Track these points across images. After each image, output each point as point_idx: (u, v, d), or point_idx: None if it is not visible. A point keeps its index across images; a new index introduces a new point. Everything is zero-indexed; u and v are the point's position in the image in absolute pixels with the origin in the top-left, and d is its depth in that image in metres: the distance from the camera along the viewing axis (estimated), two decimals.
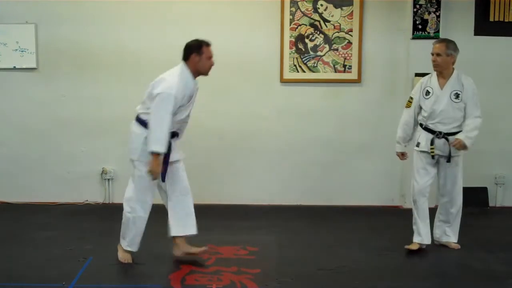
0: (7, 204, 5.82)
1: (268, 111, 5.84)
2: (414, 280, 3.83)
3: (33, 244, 4.50)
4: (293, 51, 5.75)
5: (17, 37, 5.73)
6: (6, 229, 4.98)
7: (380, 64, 5.79)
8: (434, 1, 5.57)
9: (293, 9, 5.71)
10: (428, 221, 4.37)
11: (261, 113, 5.84)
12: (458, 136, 4.19)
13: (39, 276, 3.80)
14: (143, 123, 3.88)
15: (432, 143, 4.27)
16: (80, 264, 4.01)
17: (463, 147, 4.17)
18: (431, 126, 4.29)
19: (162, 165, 3.82)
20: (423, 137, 4.33)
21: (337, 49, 5.75)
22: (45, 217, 5.38)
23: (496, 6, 5.69)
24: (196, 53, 3.87)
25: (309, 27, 5.73)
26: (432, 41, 4.48)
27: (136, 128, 3.93)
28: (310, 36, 5.74)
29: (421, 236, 4.35)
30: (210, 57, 3.93)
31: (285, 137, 5.86)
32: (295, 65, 5.77)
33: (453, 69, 4.30)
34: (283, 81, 5.80)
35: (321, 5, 5.72)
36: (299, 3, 5.70)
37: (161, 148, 3.73)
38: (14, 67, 5.79)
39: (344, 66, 5.77)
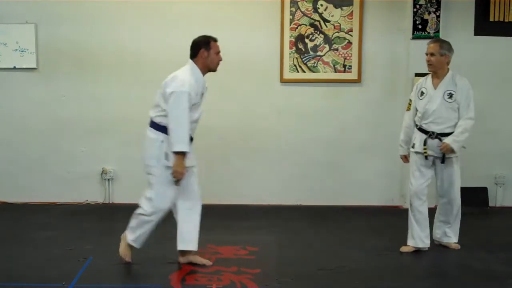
0: (7, 204, 5.82)
1: (268, 111, 5.84)
2: (414, 280, 3.83)
3: (33, 244, 4.50)
4: (293, 51, 5.75)
5: (17, 37, 5.74)
6: (6, 229, 4.98)
7: (380, 64, 5.79)
8: (434, 1, 5.57)
9: (293, 9, 5.71)
10: (425, 224, 4.32)
11: (261, 113, 5.84)
12: (446, 140, 4.16)
13: (39, 276, 3.80)
14: (158, 127, 3.82)
15: (425, 143, 4.25)
16: (80, 264, 4.01)
17: (450, 151, 4.15)
18: (424, 126, 4.27)
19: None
20: (417, 138, 4.32)
21: (337, 49, 5.75)
22: (45, 217, 5.38)
23: (496, 6, 5.69)
24: (204, 49, 3.85)
25: (309, 27, 5.73)
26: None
27: (151, 133, 3.84)
28: (310, 36, 5.74)
29: (415, 239, 4.34)
30: (218, 52, 3.92)
31: (285, 137, 5.86)
32: (295, 65, 5.77)
33: (448, 69, 4.28)
34: (283, 81, 5.80)
35: (321, 5, 5.72)
36: (299, 3, 5.70)
37: (185, 147, 3.72)
38: (14, 67, 5.79)
39: (344, 66, 5.77)
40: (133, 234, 3.96)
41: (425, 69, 4.43)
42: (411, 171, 4.39)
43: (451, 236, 4.42)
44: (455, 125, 4.21)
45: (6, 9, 5.73)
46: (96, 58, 5.78)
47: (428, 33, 5.58)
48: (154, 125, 3.85)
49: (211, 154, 5.78)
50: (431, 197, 4.49)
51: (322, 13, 5.73)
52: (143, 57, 5.73)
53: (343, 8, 5.71)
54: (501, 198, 5.93)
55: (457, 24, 5.71)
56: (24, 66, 5.79)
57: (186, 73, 3.81)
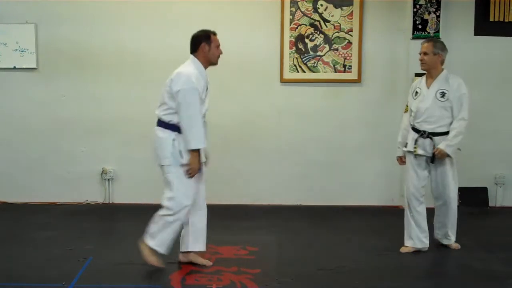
0: (7, 204, 5.82)
1: (268, 111, 5.84)
2: (414, 280, 3.83)
3: (33, 244, 4.50)
4: (293, 51, 5.75)
5: (17, 37, 5.74)
6: (6, 229, 4.98)
7: (380, 64, 5.79)
8: (434, 1, 5.57)
9: (293, 9, 5.71)
10: (424, 224, 4.32)
11: (261, 113, 5.84)
12: (440, 145, 4.12)
13: (39, 276, 3.80)
14: (167, 125, 3.79)
15: (416, 142, 4.25)
16: (80, 264, 4.01)
17: (445, 156, 4.13)
18: (417, 126, 4.27)
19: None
20: (410, 137, 4.32)
21: (337, 49, 5.75)
22: (45, 217, 5.38)
23: (496, 6, 5.69)
24: (205, 42, 3.85)
25: (309, 27, 5.73)
26: None
27: (161, 132, 3.81)
28: (310, 36, 5.74)
29: (413, 240, 4.34)
30: (218, 46, 3.92)
31: (285, 137, 5.86)
32: (295, 65, 5.77)
33: (442, 69, 4.27)
34: (283, 81, 5.80)
35: (321, 5, 5.72)
36: (299, 3, 5.70)
37: (201, 144, 3.74)
38: (14, 67, 5.79)
39: (344, 66, 5.77)
40: (155, 239, 3.87)
41: None
42: (407, 172, 4.41)
43: (450, 237, 4.40)
44: (447, 125, 4.17)
45: (6, 9, 5.73)
46: (96, 58, 5.78)
47: (428, 33, 5.58)
48: (163, 124, 3.82)
49: (211, 154, 5.77)
50: (429, 198, 4.48)
51: (322, 13, 5.73)
52: (143, 57, 5.73)
53: (343, 8, 5.71)
54: (501, 198, 5.93)
55: (457, 24, 5.72)
56: (24, 66, 5.79)
57: (190, 68, 3.80)
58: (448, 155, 4.12)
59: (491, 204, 5.92)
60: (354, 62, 5.76)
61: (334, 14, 5.72)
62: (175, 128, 3.77)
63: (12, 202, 5.85)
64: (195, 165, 3.76)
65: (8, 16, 5.73)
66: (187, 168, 3.76)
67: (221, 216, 5.40)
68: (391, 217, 5.45)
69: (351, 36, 5.73)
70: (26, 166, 5.88)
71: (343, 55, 5.75)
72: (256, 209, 5.76)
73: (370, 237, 4.77)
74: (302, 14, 5.72)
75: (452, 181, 4.27)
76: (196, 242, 4.00)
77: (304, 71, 5.78)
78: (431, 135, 4.19)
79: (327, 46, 5.75)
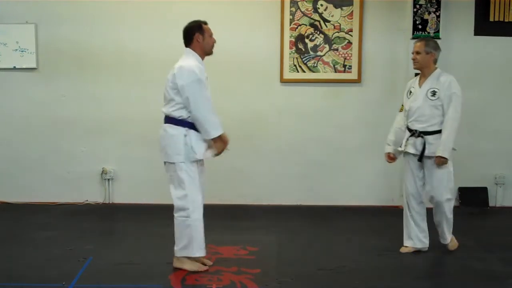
0: (7, 204, 5.82)
1: (268, 111, 5.84)
2: (414, 280, 3.83)
3: (33, 244, 4.50)
4: (293, 51, 5.75)
5: (17, 37, 5.74)
6: (6, 229, 4.98)
7: (380, 64, 5.79)
8: (434, 1, 5.57)
9: (293, 9, 5.71)
10: (424, 224, 4.31)
11: (261, 113, 5.84)
12: (436, 153, 4.06)
13: (39, 276, 3.80)
14: (177, 121, 3.77)
15: (407, 141, 4.25)
16: (80, 264, 4.01)
17: (445, 161, 4.06)
18: (409, 125, 4.26)
19: (205, 153, 3.84)
20: (405, 137, 4.32)
21: (337, 49, 5.75)
22: (45, 217, 5.38)
23: (496, 6, 5.69)
24: (199, 33, 3.84)
25: (309, 27, 5.73)
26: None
27: (171, 129, 3.78)
28: (310, 36, 5.74)
29: (413, 240, 4.33)
30: (211, 35, 3.91)
31: (285, 137, 5.86)
32: (295, 65, 5.77)
33: (436, 67, 4.23)
34: (283, 81, 5.80)
35: (321, 5, 5.72)
36: (299, 3, 5.70)
37: (220, 130, 3.77)
38: (14, 67, 5.79)
39: (344, 66, 5.77)
40: (187, 248, 3.82)
41: None
42: (404, 173, 4.41)
43: (446, 237, 4.33)
44: (438, 123, 4.11)
45: (6, 9, 5.73)
46: (96, 58, 5.78)
47: (428, 33, 5.58)
48: (173, 121, 3.78)
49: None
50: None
51: (322, 13, 5.73)
52: (143, 57, 5.73)
53: (343, 8, 5.71)
54: (501, 198, 5.93)
55: (457, 24, 5.72)
56: (24, 66, 5.79)
57: (190, 61, 3.78)
58: (446, 159, 4.05)
59: (491, 204, 5.92)
60: (354, 62, 5.76)
61: (334, 14, 5.72)
62: (185, 123, 3.77)
63: (12, 202, 5.85)
64: (222, 147, 3.84)
65: (8, 16, 5.73)
66: (216, 153, 3.83)
67: (221, 216, 5.41)
68: (391, 217, 5.44)
69: (351, 36, 5.73)
70: (26, 166, 5.88)
71: (343, 55, 5.76)
72: (256, 209, 5.76)
73: (370, 237, 4.77)
74: (302, 14, 5.72)
75: (445, 180, 4.15)
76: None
77: (304, 71, 5.78)
78: (422, 134, 4.17)
79: (327, 46, 5.75)
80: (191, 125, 3.78)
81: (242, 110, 5.82)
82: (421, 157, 4.17)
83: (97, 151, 5.88)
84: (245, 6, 5.73)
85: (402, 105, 4.42)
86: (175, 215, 3.83)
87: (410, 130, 4.25)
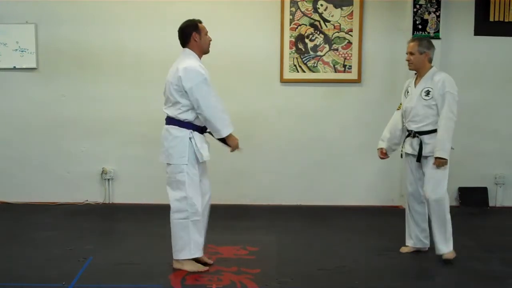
0: (7, 204, 5.82)
1: (268, 111, 5.84)
2: (414, 280, 3.83)
3: (33, 244, 4.50)
4: (293, 51, 5.75)
5: (17, 37, 5.74)
6: (6, 229, 4.98)
7: (380, 64, 5.79)
8: (434, 1, 5.57)
9: (293, 9, 5.71)
10: (424, 224, 4.29)
11: (261, 113, 5.84)
12: (434, 155, 4.01)
13: (39, 276, 3.80)
14: (183, 123, 3.76)
15: (404, 142, 4.25)
16: (80, 264, 4.01)
17: (444, 161, 4.00)
18: (406, 125, 4.26)
19: (208, 156, 3.88)
20: (403, 137, 4.31)
21: (337, 49, 5.75)
22: (45, 217, 5.38)
23: (496, 6, 5.69)
24: (195, 32, 3.83)
25: (309, 27, 5.73)
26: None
27: (176, 131, 3.76)
28: (310, 36, 5.74)
29: (413, 240, 4.33)
30: (207, 33, 3.91)
31: (285, 137, 5.86)
32: (295, 65, 5.77)
33: (431, 66, 4.18)
34: (283, 81, 5.80)
35: (321, 5, 5.72)
36: (299, 3, 5.71)
37: (230, 128, 3.82)
38: (14, 67, 5.79)
39: (344, 66, 5.77)
40: (184, 250, 3.81)
41: None
42: (405, 173, 4.40)
43: (438, 248, 4.11)
44: (433, 123, 4.07)
45: (6, 9, 5.73)
46: (96, 58, 5.78)
47: (428, 33, 5.58)
48: (178, 122, 3.77)
49: (211, 153, 5.77)
50: None
51: (322, 13, 5.73)
52: (143, 57, 5.73)
53: (343, 8, 5.71)
54: (501, 198, 5.93)
55: (457, 24, 5.72)
56: (24, 66, 5.79)
57: (192, 61, 3.77)
58: (445, 159, 4.00)
59: (491, 204, 5.92)
60: (354, 62, 5.76)
61: (334, 14, 5.72)
62: (191, 126, 3.77)
63: (12, 202, 5.85)
64: (235, 143, 3.90)
65: (8, 16, 5.73)
66: (231, 150, 3.91)
67: (221, 216, 5.40)
68: (391, 217, 5.45)
69: (351, 36, 5.73)
70: (26, 166, 5.88)
71: (343, 55, 5.76)
72: (256, 209, 5.76)
73: (370, 237, 4.77)
74: (302, 14, 5.72)
75: (434, 179, 4.06)
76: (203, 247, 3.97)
77: (304, 71, 5.78)
78: (417, 134, 4.15)
79: (327, 46, 5.75)
80: (195, 127, 3.79)
81: (242, 110, 5.81)
82: (419, 157, 4.16)
83: (97, 151, 5.88)
84: (245, 6, 5.73)
85: (401, 104, 4.42)
86: (172, 216, 3.83)
87: (407, 130, 4.25)
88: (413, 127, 4.18)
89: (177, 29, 3.92)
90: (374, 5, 5.73)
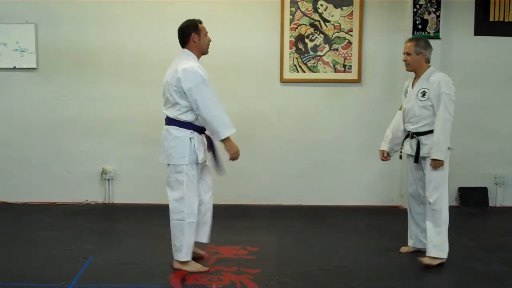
0: (7, 204, 5.82)
1: (268, 111, 5.84)
2: (414, 280, 3.83)
3: (33, 244, 4.50)
4: (293, 51, 5.75)
5: (17, 37, 5.74)
6: (6, 229, 4.98)
7: (380, 64, 5.79)
8: (434, 1, 5.57)
9: (293, 9, 5.71)
10: (423, 226, 4.23)
11: (261, 113, 5.84)
12: (430, 156, 3.99)
13: (39, 276, 3.80)
14: (183, 124, 3.76)
15: (403, 143, 4.24)
16: (80, 264, 4.01)
17: (440, 163, 3.96)
18: (405, 126, 4.25)
19: (206, 156, 3.85)
20: (403, 138, 4.31)
21: (337, 49, 5.75)
22: (45, 217, 5.38)
23: (496, 6, 5.69)
24: (195, 33, 3.82)
25: (309, 27, 5.73)
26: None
27: (177, 131, 3.76)
28: (310, 36, 5.74)
29: (413, 240, 4.33)
30: (206, 33, 3.90)
31: (285, 137, 5.86)
32: (295, 65, 5.77)
33: (429, 66, 4.15)
34: (283, 81, 5.80)
35: (321, 5, 5.72)
36: (299, 3, 5.70)
37: (231, 130, 3.74)
38: (14, 67, 5.79)
39: (344, 66, 5.77)
40: (183, 249, 3.82)
41: None
42: (406, 174, 4.39)
43: (429, 249, 4.05)
44: (430, 123, 4.04)
45: (6, 9, 5.73)
46: (96, 58, 5.78)
47: (428, 33, 5.58)
48: (178, 123, 3.77)
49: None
50: None
51: (322, 13, 5.73)
52: (143, 57, 5.73)
53: (343, 8, 5.71)
54: (501, 198, 5.93)
55: (457, 24, 5.72)
56: (24, 66, 5.79)
57: (191, 62, 3.76)
58: (441, 161, 3.97)
59: (491, 204, 5.92)
60: (354, 62, 5.76)
61: (334, 14, 5.72)
62: (191, 126, 3.77)
63: (12, 202, 5.84)
64: (234, 150, 3.78)
65: (8, 16, 5.73)
66: (230, 157, 3.79)
67: (221, 216, 5.38)
68: (391, 217, 5.45)
69: (351, 36, 5.73)
70: (26, 166, 5.88)
71: (343, 55, 5.76)
72: (256, 209, 5.76)
73: (370, 237, 4.77)
74: (302, 14, 5.72)
75: (433, 181, 4.02)
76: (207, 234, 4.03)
77: (304, 71, 5.78)
78: (415, 134, 4.14)
79: (327, 46, 5.75)
80: (195, 128, 3.79)
81: (242, 110, 5.81)
82: (416, 158, 4.14)
83: (97, 151, 5.87)
84: (245, 6, 5.73)
85: (402, 104, 4.42)
86: (171, 217, 3.84)
87: (407, 131, 4.25)
88: (411, 128, 4.17)
89: (176, 30, 3.91)
90: (374, 5, 5.73)
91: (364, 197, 5.91)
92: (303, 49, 5.75)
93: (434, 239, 4.03)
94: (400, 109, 4.43)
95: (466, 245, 4.46)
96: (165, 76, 3.84)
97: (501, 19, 5.70)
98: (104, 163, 5.89)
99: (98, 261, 4.08)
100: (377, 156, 5.77)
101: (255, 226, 5.13)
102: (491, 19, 5.71)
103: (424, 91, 4.07)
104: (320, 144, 5.86)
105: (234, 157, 3.80)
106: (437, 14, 5.59)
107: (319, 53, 5.76)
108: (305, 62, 5.77)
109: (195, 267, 3.88)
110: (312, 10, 5.72)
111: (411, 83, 4.27)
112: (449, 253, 4.28)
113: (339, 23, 5.73)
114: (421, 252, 4.31)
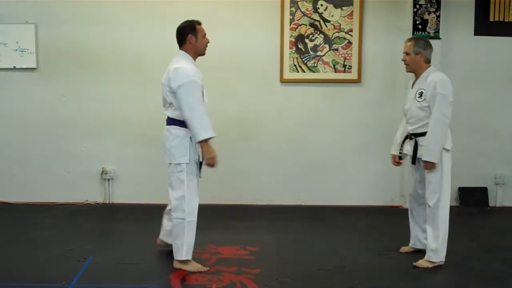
0: (7, 204, 5.82)
1: (268, 111, 5.84)
2: (414, 280, 3.83)
3: (33, 244, 4.50)
4: (293, 51, 5.75)
5: (17, 37, 5.74)
6: (6, 229, 4.98)
7: (380, 64, 5.79)
8: (434, 1, 5.57)
9: (293, 9, 5.71)
10: (424, 226, 4.22)
11: (261, 113, 5.84)
12: (422, 158, 3.98)
13: (39, 276, 3.80)
14: (182, 123, 3.77)
15: (403, 143, 4.23)
16: (80, 264, 4.01)
17: (432, 165, 3.93)
18: (406, 126, 4.23)
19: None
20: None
21: (337, 49, 5.75)
22: (45, 217, 5.38)
23: (496, 6, 5.69)
24: (191, 34, 3.83)
25: (309, 27, 5.73)
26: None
27: (178, 130, 3.78)
28: (310, 36, 5.74)
29: (413, 240, 4.32)
30: (204, 35, 3.90)
31: (285, 137, 5.86)
32: (295, 65, 5.77)
33: (429, 66, 4.10)
34: (283, 81, 5.80)
35: (321, 5, 5.72)
36: (299, 3, 5.71)
37: (211, 133, 3.71)
38: (14, 67, 5.79)
39: (344, 66, 5.77)
40: (184, 248, 3.82)
41: None
42: (407, 174, 4.39)
43: (429, 255, 4.03)
44: (427, 125, 3.99)
45: (6, 9, 5.73)
46: (96, 58, 5.78)
47: (428, 33, 5.58)
48: (178, 122, 3.78)
49: None
50: None
51: (322, 13, 5.73)
52: (143, 57, 5.73)
53: (343, 8, 5.71)
54: (501, 198, 5.93)
55: (457, 24, 5.72)
56: (24, 66, 5.79)
57: (183, 63, 3.78)
58: (432, 162, 3.92)
59: (491, 204, 5.92)
60: (354, 62, 5.76)
61: (334, 14, 5.72)
62: None
63: (12, 202, 5.85)
64: (211, 155, 3.75)
65: (8, 16, 5.73)
66: (206, 162, 3.75)
67: (221, 216, 5.42)
68: (391, 217, 5.45)
69: (351, 36, 5.73)
70: (26, 166, 5.88)
71: (343, 55, 5.76)
72: (256, 209, 5.76)
73: (370, 237, 4.77)
74: (302, 14, 5.72)
75: (432, 183, 3.99)
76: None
77: (304, 71, 5.78)
78: (413, 135, 4.11)
79: (327, 46, 5.75)
80: None
81: (242, 110, 5.82)
82: (414, 159, 4.10)
83: (97, 151, 5.88)
84: (245, 6, 5.73)
85: None
86: (173, 216, 3.84)
87: (407, 132, 4.25)
88: (410, 128, 4.14)
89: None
90: (374, 5, 5.73)
91: (364, 197, 5.91)
92: (303, 49, 5.75)
93: (431, 244, 4.02)
94: None
95: (466, 245, 4.46)
96: (163, 78, 3.86)
97: (501, 19, 5.70)
98: (104, 163, 5.89)
99: (98, 261, 4.08)
100: (377, 156, 5.81)
101: (255, 226, 5.13)
102: (491, 19, 5.71)
103: (421, 91, 4.04)
104: (320, 144, 5.86)
105: (209, 162, 3.77)
106: (437, 14, 5.59)
107: (319, 53, 5.76)
108: (305, 62, 5.77)
109: (195, 267, 3.88)
110: (312, 10, 5.72)
111: (412, 83, 4.26)
112: (449, 253, 4.28)
113: (339, 23, 5.73)
114: (421, 252, 4.31)
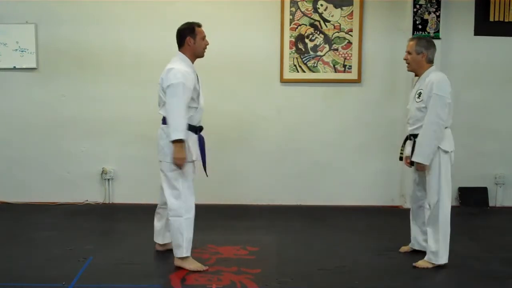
0: (7, 204, 5.82)
1: (268, 111, 5.84)
2: (414, 280, 3.83)
3: (33, 244, 4.50)
4: (293, 51, 5.75)
5: (17, 37, 5.74)
6: (6, 229, 4.98)
7: (380, 64, 5.79)
8: (434, 1, 5.58)
9: (293, 9, 5.71)
10: (423, 228, 4.21)
11: (261, 113, 5.84)
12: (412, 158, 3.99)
13: (39, 276, 3.80)
14: None
15: (404, 144, 4.22)
16: (80, 264, 4.01)
17: (423, 166, 3.92)
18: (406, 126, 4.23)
19: (199, 155, 3.88)
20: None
21: (337, 49, 5.75)
22: (45, 217, 5.38)
23: (496, 6, 5.69)
24: (190, 36, 3.86)
25: (309, 27, 5.73)
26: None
27: None
28: (310, 36, 5.74)
29: (412, 241, 4.32)
30: (204, 37, 3.92)
31: (285, 137, 5.86)
32: (295, 65, 5.77)
33: (430, 67, 4.06)
34: (283, 81, 5.80)
35: (321, 5, 5.72)
36: (299, 3, 5.71)
37: (181, 135, 3.71)
38: (14, 67, 5.79)
39: (344, 66, 5.77)
40: (183, 246, 3.84)
41: None
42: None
43: (429, 257, 4.02)
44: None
45: (6, 9, 5.73)
46: (96, 58, 5.78)
47: (428, 33, 5.58)
48: None
49: (211, 154, 5.77)
50: None
51: (322, 13, 5.73)
52: (143, 57, 5.73)
53: (343, 8, 5.71)
54: (501, 198, 5.93)
55: (457, 24, 5.72)
56: (24, 66, 5.79)
57: (177, 64, 3.82)
58: (423, 164, 3.91)
59: (491, 204, 5.92)
60: (354, 62, 5.76)
61: (334, 14, 5.72)
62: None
63: (12, 202, 5.85)
64: (180, 156, 3.74)
65: (8, 16, 5.73)
66: (173, 161, 3.75)
67: (221, 216, 5.42)
68: (391, 217, 5.45)
69: (351, 36, 5.73)
70: (26, 166, 5.88)
71: (343, 55, 5.76)
72: (256, 209, 5.76)
73: (370, 237, 4.77)
74: (302, 14, 5.72)
75: (432, 184, 3.97)
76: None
77: (304, 71, 5.78)
78: (412, 136, 4.09)
79: (327, 46, 5.75)
80: (188, 126, 3.79)
81: (242, 110, 5.82)
82: (412, 160, 4.06)
83: (97, 151, 5.88)
84: (245, 6, 5.73)
85: None
86: (169, 214, 3.86)
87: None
88: (409, 129, 4.12)
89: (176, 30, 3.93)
90: (374, 5, 5.73)
91: (364, 197, 5.91)
92: (303, 49, 5.75)
93: (432, 246, 4.01)
94: None
95: (466, 245, 4.46)
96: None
97: (501, 19, 5.70)
98: (104, 163, 5.89)
99: (98, 261, 4.08)
100: (377, 156, 5.82)
101: (255, 226, 5.13)
102: (491, 19, 5.71)
103: (420, 92, 4.01)
104: (320, 144, 5.86)
105: (176, 162, 3.77)
106: (437, 14, 5.59)
107: (319, 53, 5.76)
108: (305, 62, 5.77)
109: (195, 265, 3.88)
110: (312, 10, 5.72)
111: (414, 82, 4.25)
112: (449, 253, 4.26)
113: (339, 23, 5.73)
114: (421, 252, 4.30)
